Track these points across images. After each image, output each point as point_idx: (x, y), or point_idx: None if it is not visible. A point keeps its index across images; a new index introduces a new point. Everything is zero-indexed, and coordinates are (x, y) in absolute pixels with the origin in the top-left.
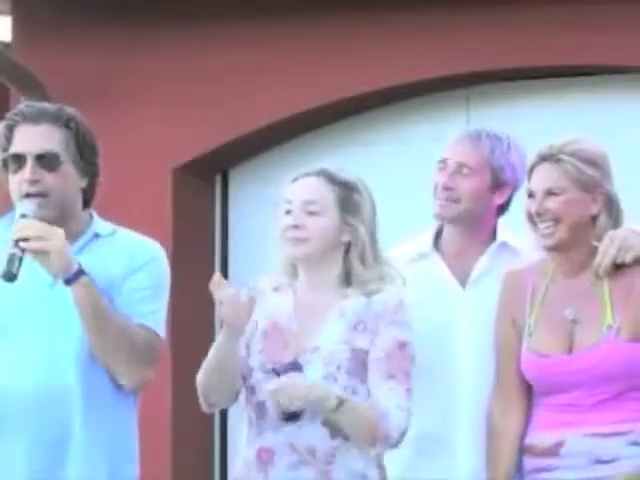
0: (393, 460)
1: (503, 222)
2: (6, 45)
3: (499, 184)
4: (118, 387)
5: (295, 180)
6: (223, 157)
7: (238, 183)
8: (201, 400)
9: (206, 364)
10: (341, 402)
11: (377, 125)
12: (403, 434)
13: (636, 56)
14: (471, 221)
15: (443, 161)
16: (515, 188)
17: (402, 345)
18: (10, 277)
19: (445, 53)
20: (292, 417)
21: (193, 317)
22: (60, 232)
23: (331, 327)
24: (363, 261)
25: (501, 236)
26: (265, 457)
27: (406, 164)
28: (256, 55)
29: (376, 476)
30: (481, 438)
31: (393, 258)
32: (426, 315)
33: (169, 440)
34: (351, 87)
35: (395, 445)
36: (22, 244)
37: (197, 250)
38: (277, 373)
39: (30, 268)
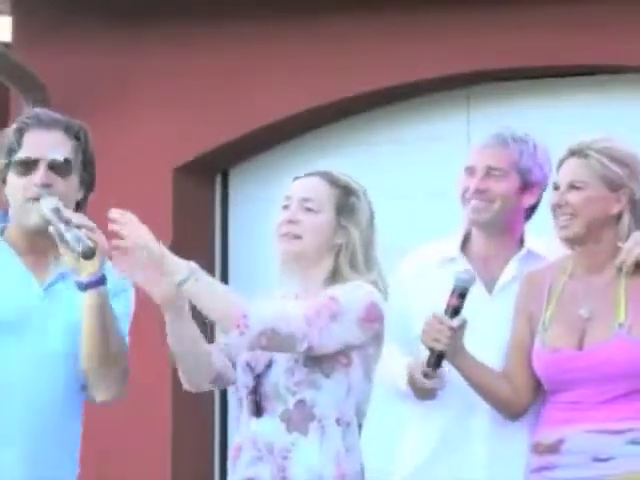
0: (409, 461)
1: (530, 229)
2: (6, 45)
3: (529, 185)
4: (72, 399)
5: (297, 179)
6: (223, 157)
7: (238, 183)
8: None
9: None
10: (192, 272)
11: (377, 125)
12: (276, 333)
13: (636, 56)
14: (502, 224)
15: (470, 168)
16: (544, 187)
17: (331, 298)
18: (90, 253)
19: (445, 53)
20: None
21: (193, 316)
22: (103, 236)
23: None
24: (353, 265)
25: (529, 243)
26: (235, 453)
27: (406, 164)
28: (256, 55)
29: (333, 473)
30: (497, 442)
31: (418, 259)
32: None
33: (169, 445)
34: (351, 87)
35: (262, 338)
36: (84, 231)
37: (197, 249)
38: (253, 370)
39: (21, 279)
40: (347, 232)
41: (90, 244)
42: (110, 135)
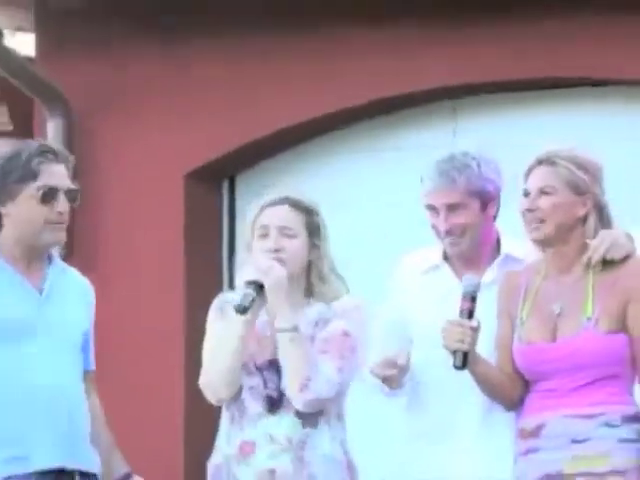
0: (397, 456)
1: (506, 235)
2: (30, 60)
3: (487, 200)
4: (81, 378)
5: (265, 207)
6: (230, 163)
7: (244, 188)
8: (210, 396)
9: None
10: (295, 328)
11: (374, 133)
12: (321, 400)
13: (615, 70)
14: (476, 242)
15: (431, 206)
16: (499, 194)
17: (345, 333)
18: (242, 311)
19: (434, 66)
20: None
21: (204, 313)
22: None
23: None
24: (321, 278)
25: (505, 248)
26: (247, 449)
27: (401, 170)
28: (261, 68)
29: (342, 457)
30: (483, 437)
31: (405, 267)
32: (437, 321)
33: (182, 435)
34: (349, 98)
35: (310, 405)
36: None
37: (206, 250)
38: (259, 369)
39: (18, 286)
40: (317, 248)
41: (246, 305)
42: (125, 143)
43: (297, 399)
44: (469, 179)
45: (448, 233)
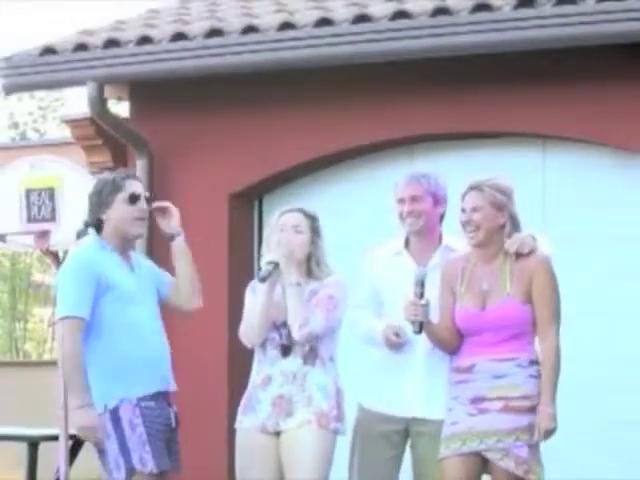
0: (371, 384)
1: (445, 232)
2: (125, 119)
3: (438, 201)
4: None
5: (284, 213)
6: (260, 188)
7: (269, 206)
8: (245, 341)
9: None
10: (299, 283)
11: (361, 167)
12: (314, 334)
13: (529, 125)
14: (427, 229)
15: (401, 199)
16: (446, 202)
17: (330, 297)
18: (262, 280)
19: (403, 120)
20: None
21: (239, 292)
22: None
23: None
24: (318, 265)
25: (445, 241)
26: (266, 381)
27: (377, 192)
28: (281, 124)
29: (332, 386)
30: (428, 369)
31: (378, 252)
32: (398, 290)
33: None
34: (345, 142)
35: (307, 337)
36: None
37: (243, 248)
38: (276, 327)
39: (121, 265)
40: (317, 244)
41: (264, 275)
42: (187, 174)
43: (298, 333)
44: (428, 182)
45: (409, 214)
